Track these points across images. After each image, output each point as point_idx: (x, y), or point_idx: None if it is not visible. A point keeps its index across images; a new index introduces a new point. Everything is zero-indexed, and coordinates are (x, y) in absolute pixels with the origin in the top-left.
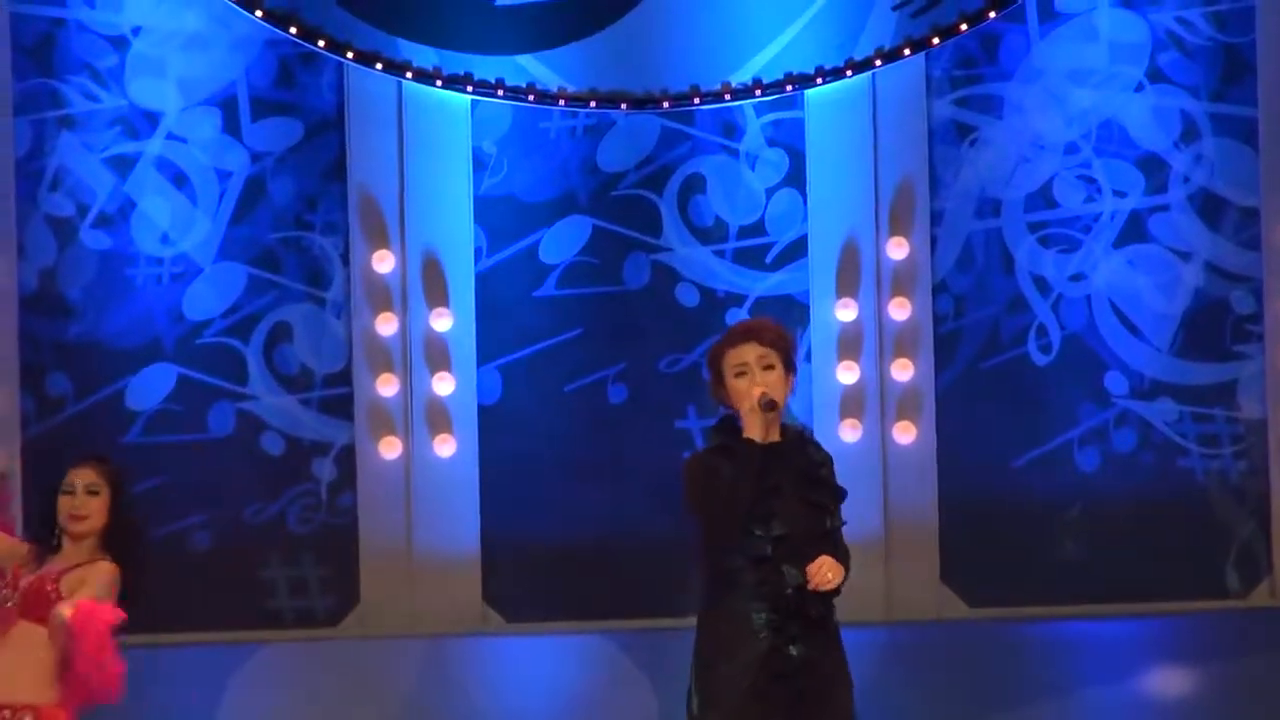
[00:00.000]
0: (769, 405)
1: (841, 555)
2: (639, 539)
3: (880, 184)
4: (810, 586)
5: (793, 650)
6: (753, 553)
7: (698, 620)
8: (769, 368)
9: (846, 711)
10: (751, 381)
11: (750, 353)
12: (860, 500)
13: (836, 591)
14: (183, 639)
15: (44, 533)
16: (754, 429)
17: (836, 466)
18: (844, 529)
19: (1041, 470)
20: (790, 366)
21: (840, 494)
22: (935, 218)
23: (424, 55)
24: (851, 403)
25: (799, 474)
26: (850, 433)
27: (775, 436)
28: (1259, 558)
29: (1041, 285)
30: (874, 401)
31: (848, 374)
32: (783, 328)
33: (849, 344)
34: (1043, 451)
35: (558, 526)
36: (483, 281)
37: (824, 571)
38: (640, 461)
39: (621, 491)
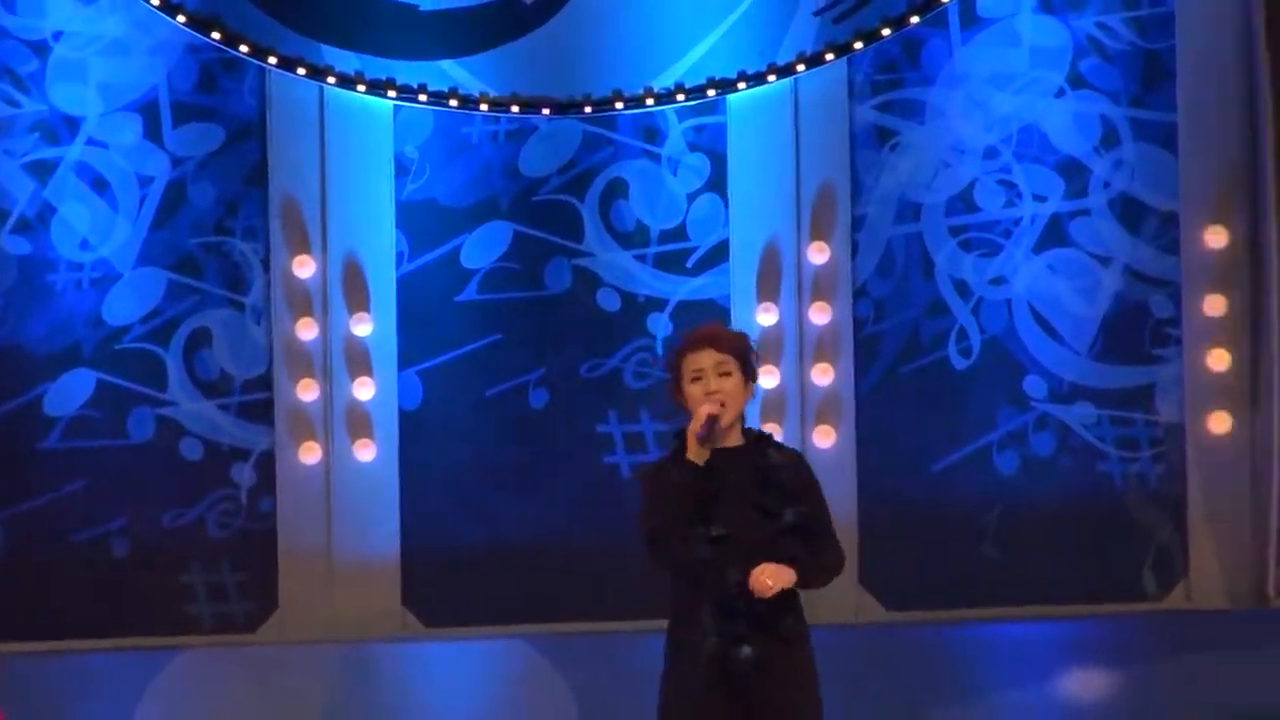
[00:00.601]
0: (704, 436)
1: (807, 557)
2: (559, 543)
3: (802, 189)
4: (757, 593)
5: (743, 652)
6: (694, 554)
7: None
8: (726, 374)
9: None
10: (705, 388)
11: (707, 359)
12: None
13: (795, 595)
14: (100, 645)
15: None
16: (694, 448)
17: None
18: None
19: (961, 473)
20: (749, 374)
21: (799, 495)
22: (856, 222)
23: (346, 60)
24: (771, 407)
25: (751, 478)
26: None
27: (733, 441)
28: (1175, 561)
29: (962, 289)
30: (794, 405)
31: (768, 378)
32: (743, 335)
33: (769, 348)
34: (962, 455)
35: (478, 531)
36: (404, 286)
37: (762, 578)
38: (561, 466)
39: (542, 496)
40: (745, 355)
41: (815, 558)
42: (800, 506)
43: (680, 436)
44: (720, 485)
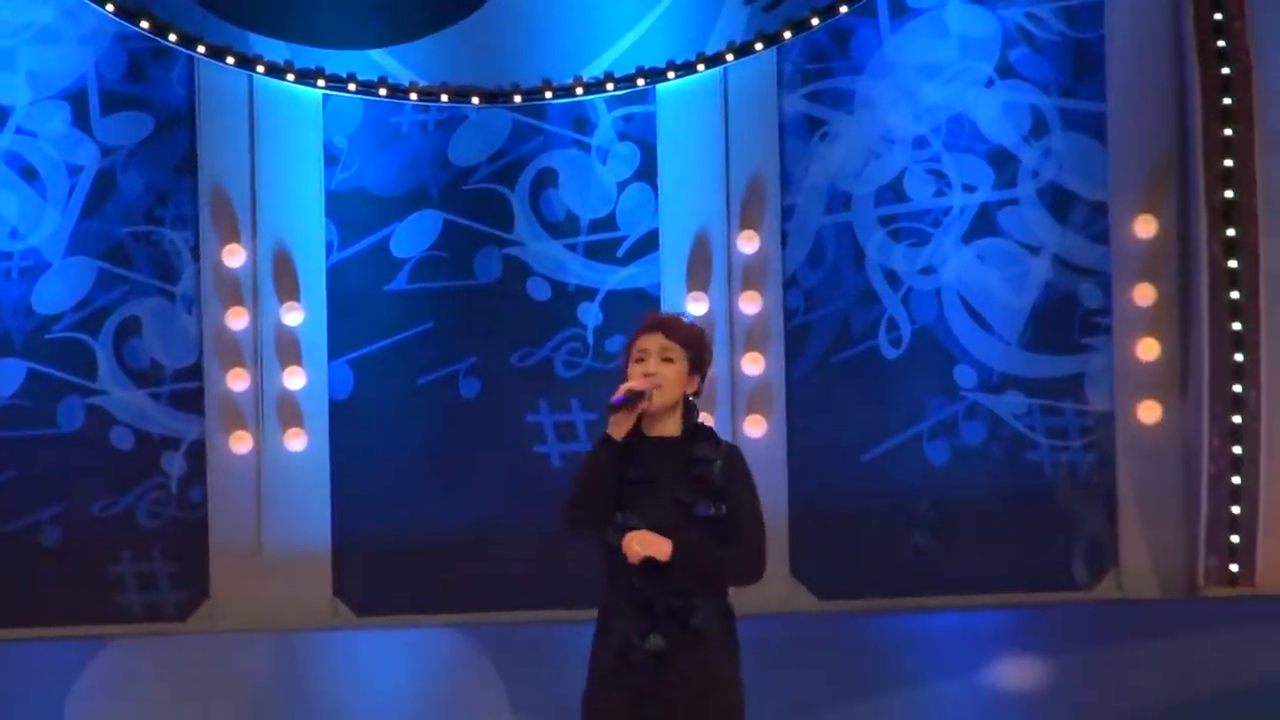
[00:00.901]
0: (622, 400)
1: (710, 546)
2: (490, 533)
3: (731, 178)
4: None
5: (650, 642)
6: (609, 542)
7: None
8: (668, 360)
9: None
10: (644, 368)
11: (653, 342)
12: None
13: (694, 591)
14: (31, 634)
15: None
16: (615, 424)
17: None
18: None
19: (891, 463)
20: (695, 367)
21: (722, 491)
22: (786, 212)
23: (276, 49)
24: (704, 397)
25: (676, 470)
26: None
27: (670, 431)
28: (1105, 550)
29: (892, 279)
30: (725, 395)
31: None
32: (699, 331)
33: None
34: (892, 444)
35: (409, 521)
36: (334, 275)
37: (631, 544)
38: (492, 456)
39: (473, 486)
40: (695, 347)
41: (718, 550)
42: (721, 502)
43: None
44: (646, 474)
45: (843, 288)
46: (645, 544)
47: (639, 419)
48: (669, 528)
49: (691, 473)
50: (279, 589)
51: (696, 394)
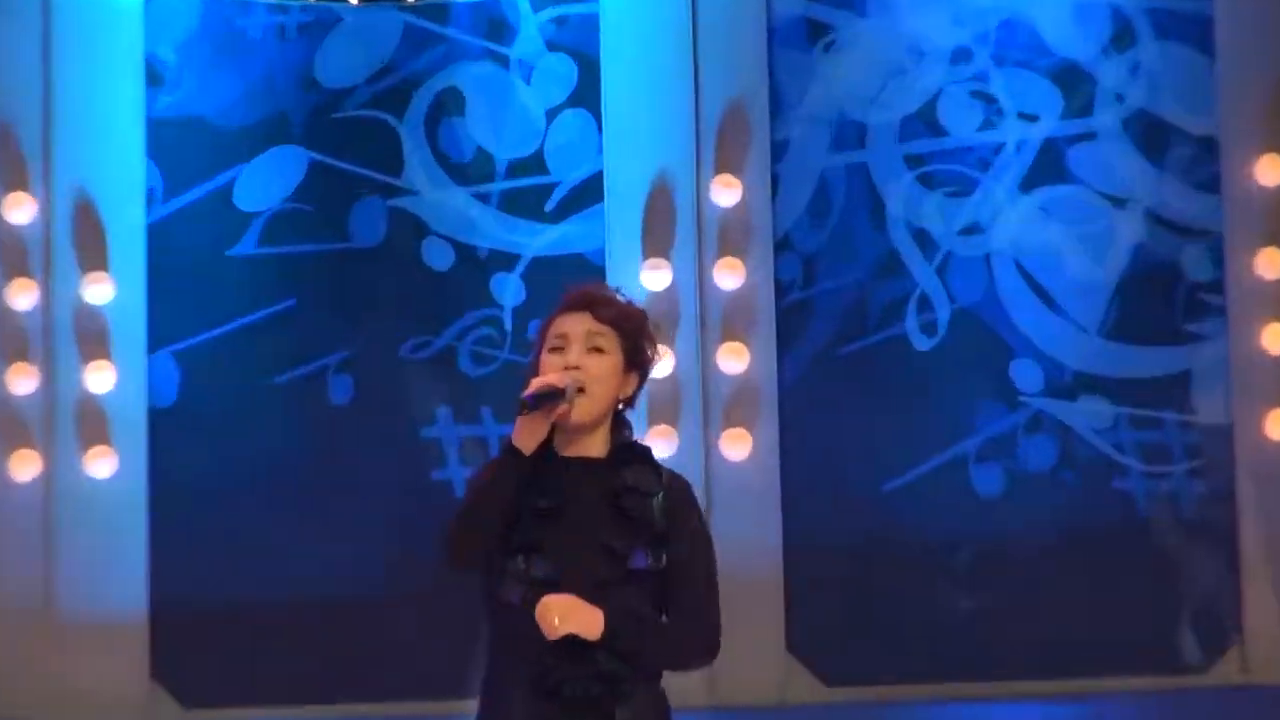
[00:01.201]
0: (534, 400)
1: (651, 618)
2: (363, 591)
3: (702, 104)
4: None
5: None
6: (504, 597)
7: None
8: (597, 350)
9: None
10: (564, 360)
11: (577, 324)
12: None
13: (655, 675)
14: None
15: None
16: (523, 430)
17: None
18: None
19: (923, 496)
20: (633, 362)
21: (665, 535)
22: (777, 150)
23: None
24: (661, 402)
25: (601, 502)
26: (657, 443)
27: (595, 451)
28: (1224, 617)
29: (923, 241)
30: (693, 401)
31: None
32: (637, 309)
33: (660, 322)
34: (925, 470)
35: (254, 579)
36: (156, 237)
37: (547, 612)
38: (372, 484)
39: (342, 526)
40: (634, 335)
41: (663, 623)
42: (661, 551)
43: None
44: (559, 506)
45: (855, 253)
46: (568, 616)
47: (551, 430)
48: (589, 582)
49: (624, 508)
50: (79, 668)
51: (630, 402)
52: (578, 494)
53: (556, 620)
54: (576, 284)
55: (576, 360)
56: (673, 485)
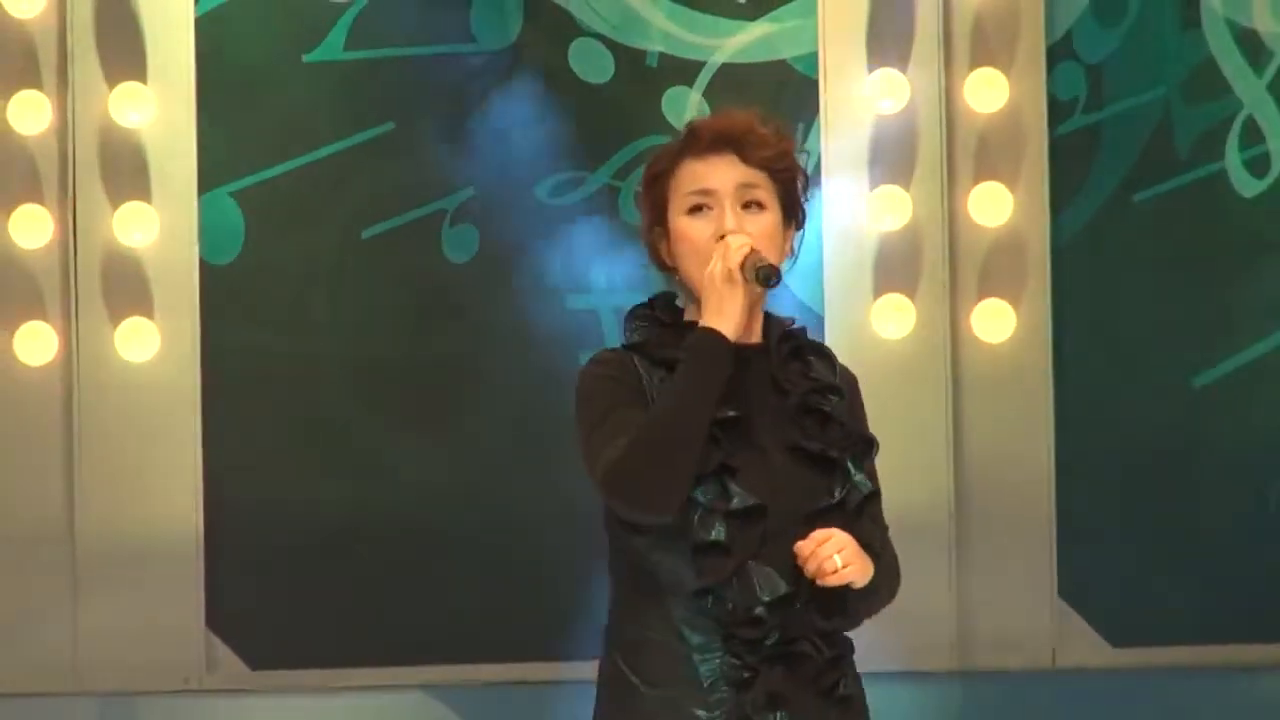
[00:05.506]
0: (766, 274)
1: (874, 552)
2: (476, 523)
3: None
4: (812, 576)
5: None
6: (695, 539)
7: (599, 666)
8: (754, 206)
9: None
10: (720, 227)
11: (726, 173)
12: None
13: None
14: None
15: None
16: (717, 312)
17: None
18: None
19: (1247, 393)
20: (793, 208)
21: (866, 443)
22: None
23: None
24: (892, 265)
25: (778, 404)
26: (888, 318)
27: (752, 337)
28: None
29: (1252, 45)
30: (936, 263)
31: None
32: (789, 139)
33: (891, 152)
34: (1248, 359)
35: (337, 497)
36: (209, 33)
37: (817, 551)
38: (498, 374)
39: (456, 433)
40: (790, 180)
41: (882, 559)
42: (864, 464)
43: (647, 317)
44: (751, 409)
45: (1158, 63)
46: (852, 558)
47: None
48: (799, 509)
49: (824, 409)
50: (109, 616)
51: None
52: (752, 396)
53: (831, 559)
54: (696, 118)
55: (735, 225)
56: (846, 379)
